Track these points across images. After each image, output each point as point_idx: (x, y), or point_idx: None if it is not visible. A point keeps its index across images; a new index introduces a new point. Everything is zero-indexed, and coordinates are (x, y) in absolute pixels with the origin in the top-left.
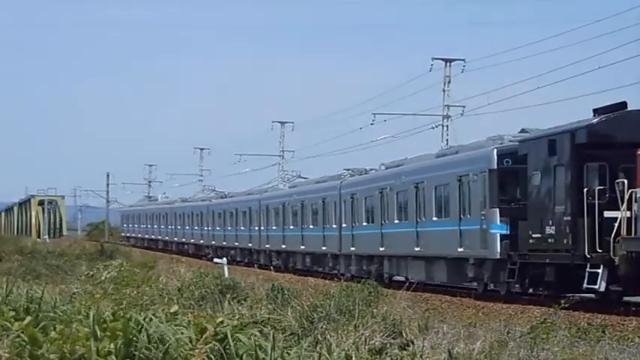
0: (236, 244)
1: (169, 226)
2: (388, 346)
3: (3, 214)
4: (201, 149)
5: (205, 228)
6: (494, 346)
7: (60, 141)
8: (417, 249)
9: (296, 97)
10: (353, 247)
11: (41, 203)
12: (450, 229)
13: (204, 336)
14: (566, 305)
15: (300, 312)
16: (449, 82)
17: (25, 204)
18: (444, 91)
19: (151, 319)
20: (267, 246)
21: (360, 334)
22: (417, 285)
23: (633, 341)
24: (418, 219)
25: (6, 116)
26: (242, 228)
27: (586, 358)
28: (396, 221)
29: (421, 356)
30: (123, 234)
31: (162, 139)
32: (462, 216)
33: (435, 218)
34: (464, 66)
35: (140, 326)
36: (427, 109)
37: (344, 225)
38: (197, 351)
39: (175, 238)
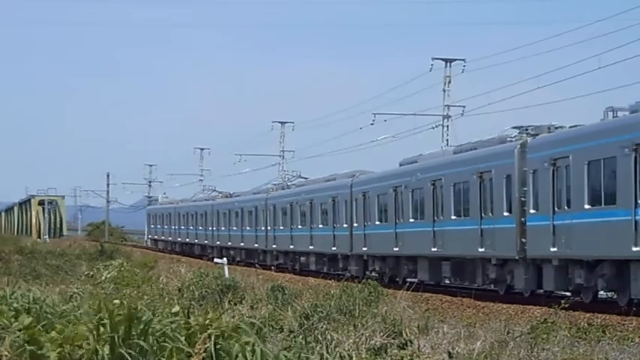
0: (311, 247)
1: (209, 228)
2: (388, 345)
3: (3, 214)
4: (201, 149)
5: (261, 228)
6: (494, 346)
7: (60, 141)
8: None
9: (296, 97)
10: (554, 246)
11: (41, 203)
12: None
13: (202, 337)
14: (566, 305)
15: (301, 312)
16: (449, 82)
17: (25, 204)
18: (444, 91)
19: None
20: (364, 249)
21: (360, 334)
22: (417, 285)
23: (633, 341)
24: None
25: (6, 116)
26: (320, 226)
27: (586, 358)
28: None
29: (419, 357)
30: (150, 236)
31: (162, 139)
32: None
33: None
34: (464, 66)
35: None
36: (427, 109)
37: (532, 211)
38: (196, 352)
39: (218, 242)
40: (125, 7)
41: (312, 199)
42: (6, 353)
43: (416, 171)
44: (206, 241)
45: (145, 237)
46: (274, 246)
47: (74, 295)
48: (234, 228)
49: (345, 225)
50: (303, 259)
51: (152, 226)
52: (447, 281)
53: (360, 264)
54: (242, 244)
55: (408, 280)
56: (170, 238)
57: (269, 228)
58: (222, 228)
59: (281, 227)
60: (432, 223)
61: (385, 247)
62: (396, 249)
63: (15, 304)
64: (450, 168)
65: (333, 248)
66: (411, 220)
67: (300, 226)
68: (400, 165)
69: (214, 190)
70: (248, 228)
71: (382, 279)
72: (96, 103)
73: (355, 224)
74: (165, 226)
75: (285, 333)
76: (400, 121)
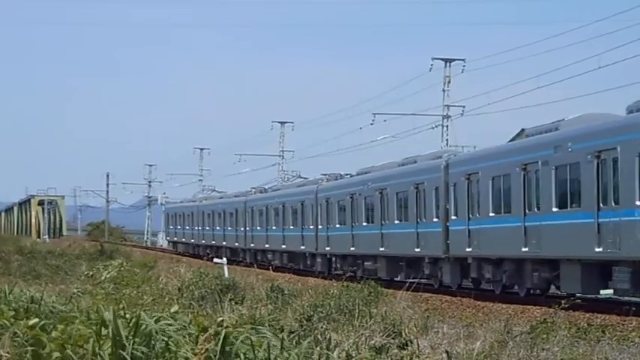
0: (381, 249)
1: (240, 228)
2: (388, 346)
3: (3, 214)
4: (201, 149)
5: (309, 227)
6: (494, 346)
7: (60, 141)
8: None
9: (296, 97)
10: None
11: (41, 203)
12: None
13: (204, 336)
14: (566, 305)
15: (301, 312)
16: (449, 82)
17: (25, 204)
18: (443, 91)
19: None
20: (467, 250)
21: (360, 334)
22: (416, 285)
23: (633, 341)
24: None
25: (6, 116)
26: (396, 222)
27: (586, 358)
28: None
29: (419, 357)
30: (168, 239)
31: (162, 139)
32: None
33: None
34: (464, 66)
35: (135, 324)
36: (427, 109)
37: None
38: (197, 351)
39: (252, 245)
40: (125, 7)
41: (383, 189)
42: (6, 354)
43: (566, 140)
44: (237, 244)
45: (145, 237)
46: (327, 248)
47: (74, 296)
48: (274, 227)
49: (435, 219)
50: (368, 264)
51: (171, 227)
52: (611, 292)
53: (456, 269)
54: (284, 246)
55: (536, 290)
56: (192, 241)
57: (320, 227)
58: (258, 228)
59: (337, 225)
60: (596, 212)
61: (505, 247)
62: (524, 249)
63: (15, 304)
64: (632, 131)
65: (417, 250)
66: (555, 209)
67: (365, 224)
68: (527, 136)
69: (211, 190)
70: (292, 227)
71: (486, 289)
72: (96, 103)
73: (453, 217)
74: (187, 227)
75: (285, 333)
76: (400, 121)
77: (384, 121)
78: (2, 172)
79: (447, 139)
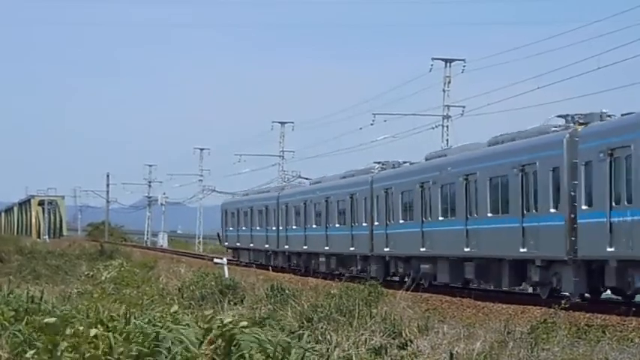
0: None
1: (362, 224)
2: (388, 345)
3: (3, 214)
4: (201, 149)
5: (551, 210)
6: (494, 346)
7: (60, 141)
8: None
9: (296, 97)
10: None
11: (41, 203)
12: None
13: (208, 337)
14: (567, 305)
15: (301, 312)
16: (449, 82)
17: (25, 204)
18: (443, 91)
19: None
20: None
21: (360, 334)
22: (416, 285)
23: (633, 341)
24: None
25: (6, 116)
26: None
27: (586, 358)
28: None
29: (419, 357)
30: (226, 244)
31: (162, 139)
32: None
33: None
34: (464, 66)
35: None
36: (427, 109)
37: None
38: (202, 352)
39: (386, 249)
40: (125, 7)
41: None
42: (5, 354)
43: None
44: (352, 249)
45: (145, 238)
46: (580, 251)
47: (72, 296)
48: (441, 218)
49: None
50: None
51: (230, 228)
52: None
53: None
54: (467, 249)
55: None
56: (267, 246)
57: (585, 207)
58: (401, 221)
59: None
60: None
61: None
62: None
63: (15, 304)
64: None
65: None
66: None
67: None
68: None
69: (211, 190)
70: (493, 215)
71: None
72: (96, 103)
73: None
74: (257, 228)
75: (285, 333)
76: (400, 121)
77: (384, 121)
78: (2, 172)
79: (447, 139)
